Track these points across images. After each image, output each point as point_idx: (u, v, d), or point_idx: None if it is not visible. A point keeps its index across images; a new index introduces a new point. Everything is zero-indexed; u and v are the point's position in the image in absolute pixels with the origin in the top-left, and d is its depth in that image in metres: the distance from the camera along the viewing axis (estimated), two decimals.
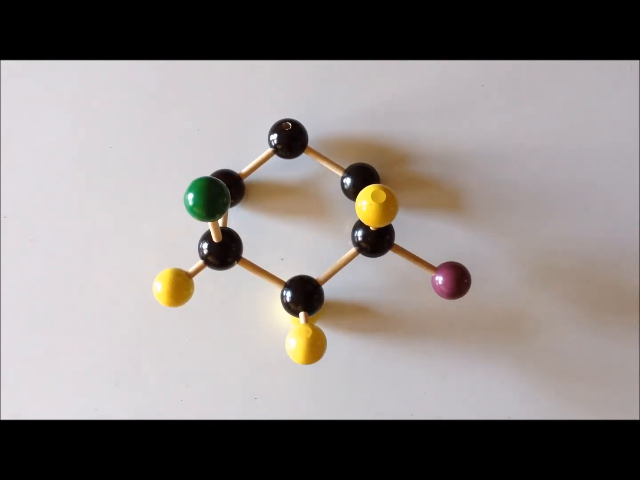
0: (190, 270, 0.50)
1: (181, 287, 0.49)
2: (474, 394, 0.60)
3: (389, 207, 0.45)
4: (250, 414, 0.60)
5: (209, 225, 0.47)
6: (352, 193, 0.56)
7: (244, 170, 0.56)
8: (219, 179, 0.43)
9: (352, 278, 0.58)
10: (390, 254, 0.52)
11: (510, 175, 0.58)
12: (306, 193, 0.58)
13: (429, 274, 0.52)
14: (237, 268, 0.51)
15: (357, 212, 0.46)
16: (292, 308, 0.51)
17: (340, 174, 0.56)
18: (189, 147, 0.58)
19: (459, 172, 0.58)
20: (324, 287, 0.52)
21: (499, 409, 0.60)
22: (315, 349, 0.47)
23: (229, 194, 0.43)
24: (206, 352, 0.59)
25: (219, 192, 0.42)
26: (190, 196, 0.42)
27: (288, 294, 0.51)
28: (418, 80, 0.58)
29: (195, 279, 0.50)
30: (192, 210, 0.42)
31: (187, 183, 0.43)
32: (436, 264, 0.52)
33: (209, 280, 0.53)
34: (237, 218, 0.58)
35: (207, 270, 0.51)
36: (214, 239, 0.49)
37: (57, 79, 0.58)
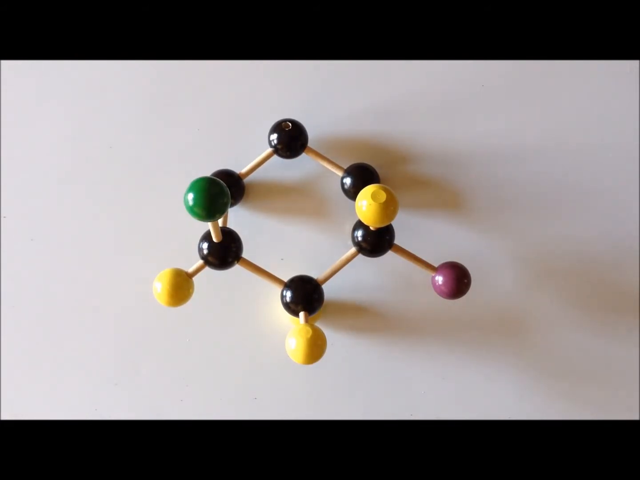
0: (190, 270, 0.50)
1: (181, 287, 0.49)
2: (474, 394, 0.60)
3: (389, 207, 0.45)
4: (250, 414, 0.60)
5: (209, 225, 0.47)
6: (352, 193, 0.56)
7: (244, 170, 0.56)
8: (219, 179, 0.43)
9: (352, 278, 0.58)
10: (390, 254, 0.52)
11: (510, 175, 0.58)
12: (306, 193, 0.58)
13: (429, 274, 0.52)
14: (237, 268, 0.51)
15: (357, 212, 0.46)
16: (292, 308, 0.51)
17: (340, 174, 0.56)
18: (189, 147, 0.58)
19: (459, 172, 0.58)
20: (324, 287, 0.52)
21: (498, 409, 0.60)
22: (315, 349, 0.47)
23: (229, 194, 0.43)
24: (206, 352, 0.59)
25: (219, 192, 0.42)
26: (190, 196, 0.42)
27: (288, 294, 0.51)
28: (418, 80, 0.58)
29: (195, 279, 0.50)
30: (192, 210, 0.42)
31: (187, 183, 0.43)
32: (436, 264, 0.52)
33: (209, 280, 0.53)
34: (237, 218, 0.58)
35: (207, 270, 0.51)
36: (214, 239, 0.49)
37: (57, 79, 0.58)
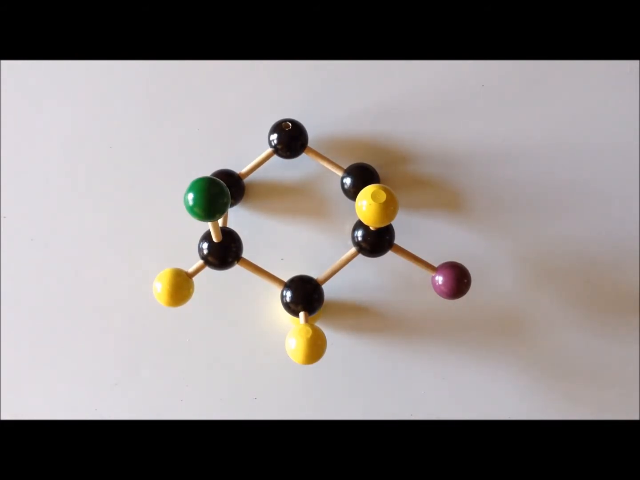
0: (190, 270, 0.50)
1: (181, 287, 0.49)
2: (474, 394, 0.60)
3: (389, 207, 0.45)
4: (250, 414, 0.60)
5: (209, 225, 0.47)
6: (352, 193, 0.56)
7: (244, 170, 0.56)
8: (219, 179, 0.43)
9: (352, 278, 0.58)
10: (390, 254, 0.52)
11: (510, 175, 0.58)
12: (306, 193, 0.58)
13: (429, 274, 0.52)
14: (237, 268, 0.51)
15: (357, 212, 0.46)
16: (292, 308, 0.51)
17: (340, 174, 0.56)
18: (189, 147, 0.58)
19: (459, 172, 0.58)
20: (324, 287, 0.52)
21: (499, 409, 0.60)
22: (315, 349, 0.47)
23: (229, 194, 0.43)
24: (206, 352, 0.59)
25: (219, 192, 0.42)
26: (190, 196, 0.42)
27: (288, 294, 0.51)
28: (418, 80, 0.58)
29: (195, 279, 0.50)
30: (192, 210, 0.42)
31: (187, 183, 0.43)
32: (436, 264, 0.52)
33: (209, 280, 0.53)
34: (237, 218, 0.58)
35: (207, 270, 0.51)
36: (214, 239, 0.49)
37: (57, 79, 0.58)
